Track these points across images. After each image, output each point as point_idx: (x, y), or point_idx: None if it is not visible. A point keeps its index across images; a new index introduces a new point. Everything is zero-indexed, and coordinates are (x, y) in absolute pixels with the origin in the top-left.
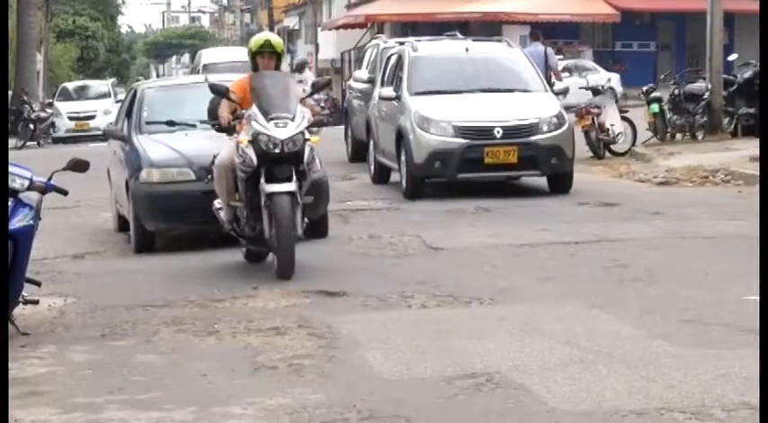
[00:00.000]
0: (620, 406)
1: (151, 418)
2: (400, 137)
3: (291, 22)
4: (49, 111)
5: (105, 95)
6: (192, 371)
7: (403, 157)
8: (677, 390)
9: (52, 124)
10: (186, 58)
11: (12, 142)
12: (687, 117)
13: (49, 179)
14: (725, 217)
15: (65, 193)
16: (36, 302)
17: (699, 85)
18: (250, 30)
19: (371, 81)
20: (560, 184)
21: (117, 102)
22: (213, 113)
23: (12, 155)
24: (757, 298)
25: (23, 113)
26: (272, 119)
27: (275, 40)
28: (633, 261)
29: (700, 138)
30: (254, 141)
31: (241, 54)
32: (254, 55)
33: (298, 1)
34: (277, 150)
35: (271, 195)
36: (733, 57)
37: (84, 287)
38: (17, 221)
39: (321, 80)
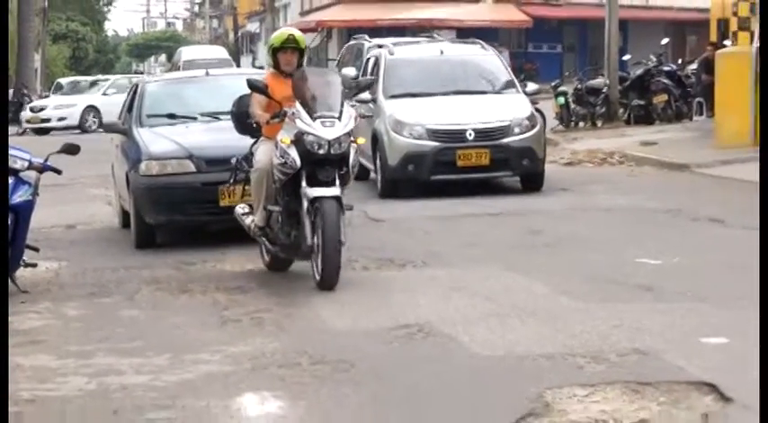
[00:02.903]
0: (531, 351)
1: (133, 363)
2: (375, 140)
3: (253, 26)
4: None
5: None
6: (169, 323)
7: (378, 160)
8: (579, 338)
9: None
10: (163, 57)
11: (13, 129)
12: (588, 108)
13: (46, 160)
14: (620, 192)
15: (59, 172)
16: (35, 265)
17: (598, 81)
18: (217, 33)
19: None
20: (532, 183)
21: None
22: (242, 113)
23: (13, 140)
24: (648, 260)
25: (23, 105)
26: (317, 118)
27: (299, 35)
28: (544, 230)
29: (599, 125)
30: (297, 141)
31: (216, 52)
32: (275, 51)
33: (259, 8)
34: (322, 151)
35: (316, 200)
36: (627, 57)
37: (76, 252)
38: (18, 197)
39: (365, 80)
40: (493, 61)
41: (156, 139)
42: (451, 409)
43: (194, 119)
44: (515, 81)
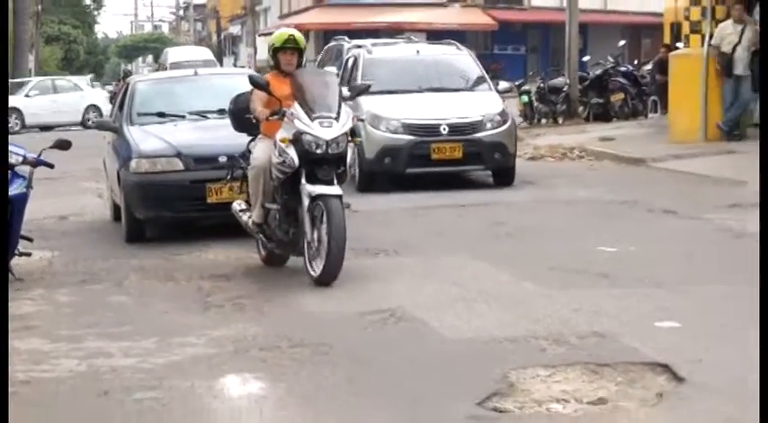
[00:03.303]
0: (497, 335)
1: (122, 346)
2: (353, 134)
3: (235, 29)
4: None
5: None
6: (155, 309)
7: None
8: (541, 322)
9: None
10: (150, 58)
11: None
12: (550, 106)
13: (39, 155)
14: (580, 185)
15: (51, 166)
16: (29, 255)
17: (560, 81)
18: (201, 35)
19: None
20: (503, 178)
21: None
22: (239, 110)
23: (10, 137)
24: (606, 249)
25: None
26: (315, 118)
27: (298, 35)
28: (508, 220)
29: (560, 122)
30: (296, 141)
31: (201, 53)
32: (275, 51)
33: (240, 12)
34: (320, 151)
35: (318, 197)
36: (586, 58)
37: (68, 242)
38: (13, 189)
39: (361, 85)
40: (466, 61)
41: (145, 138)
42: (422, 389)
43: (183, 117)
44: (488, 79)
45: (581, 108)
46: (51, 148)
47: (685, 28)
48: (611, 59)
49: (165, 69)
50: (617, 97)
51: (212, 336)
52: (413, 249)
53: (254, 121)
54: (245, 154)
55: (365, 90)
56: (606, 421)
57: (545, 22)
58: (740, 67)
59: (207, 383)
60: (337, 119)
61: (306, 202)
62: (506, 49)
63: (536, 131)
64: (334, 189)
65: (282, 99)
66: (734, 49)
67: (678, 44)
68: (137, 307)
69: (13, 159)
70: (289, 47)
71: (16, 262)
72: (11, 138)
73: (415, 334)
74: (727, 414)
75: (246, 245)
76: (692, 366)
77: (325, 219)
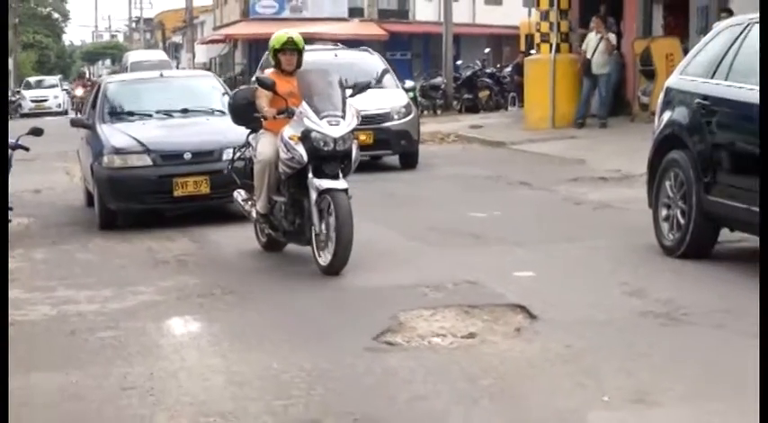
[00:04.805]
0: (389, 284)
1: (86, 295)
2: None
3: (177, 38)
4: (17, 96)
5: (54, 86)
6: (114, 265)
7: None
8: (425, 273)
9: (19, 105)
10: (108, 61)
11: None
12: (431, 100)
13: (17, 140)
14: (455, 164)
15: (27, 149)
16: (10, 221)
17: (438, 80)
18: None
19: None
20: (408, 161)
21: (63, 89)
22: (238, 106)
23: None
24: (476, 214)
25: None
26: (324, 116)
27: (297, 37)
28: (398, 193)
29: (439, 114)
30: (304, 138)
31: (156, 55)
32: (275, 52)
33: (181, 24)
34: (328, 148)
35: (326, 191)
36: (459, 62)
37: (42, 211)
38: None
39: (362, 83)
40: (376, 63)
41: (116, 135)
42: (329, 328)
43: (150, 116)
44: (395, 78)
45: (455, 102)
46: (27, 134)
47: (537, 38)
48: (479, 63)
49: (127, 69)
50: (484, 93)
51: (160, 286)
52: None
53: (262, 118)
54: (246, 146)
55: (365, 88)
56: (476, 351)
57: (426, 33)
58: (595, 68)
59: (155, 324)
60: (344, 117)
61: (314, 195)
62: (396, 55)
63: (420, 121)
64: (341, 183)
65: (286, 96)
66: (593, 54)
67: (531, 51)
68: (99, 263)
69: None
70: (288, 48)
71: None
72: None
73: (324, 283)
74: (568, 342)
75: (191, 220)
76: (544, 307)
77: (333, 211)
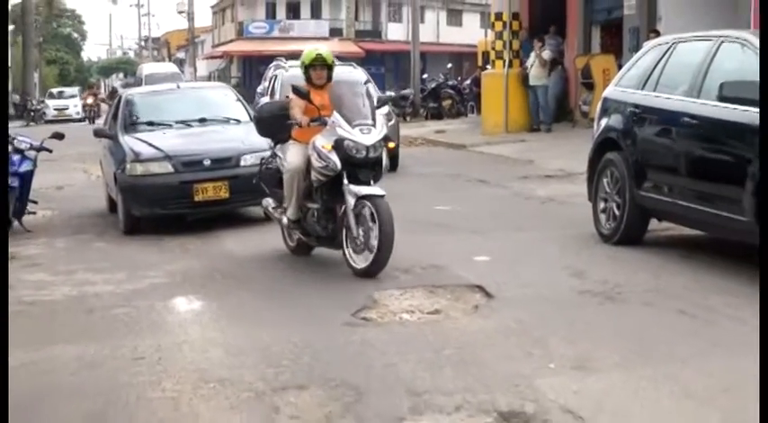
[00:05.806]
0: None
1: (103, 277)
2: None
3: (181, 54)
4: (42, 105)
5: (74, 96)
6: (127, 251)
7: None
8: (396, 258)
9: (44, 112)
10: (121, 75)
11: (19, 123)
12: (401, 109)
13: (42, 143)
14: (422, 164)
15: (50, 151)
16: (35, 213)
17: (407, 91)
18: (157, 59)
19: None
20: (390, 163)
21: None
22: (263, 119)
23: (20, 130)
24: (441, 207)
25: (27, 106)
26: (356, 125)
27: (326, 52)
28: None
29: (408, 120)
30: (337, 147)
31: (168, 67)
32: (306, 67)
33: (184, 43)
34: (360, 156)
35: (365, 198)
36: (425, 76)
37: (64, 204)
38: (23, 168)
39: (385, 97)
40: (360, 75)
41: (138, 144)
42: (313, 306)
43: (170, 126)
44: (376, 88)
45: (422, 110)
46: (50, 138)
47: (492, 55)
48: (442, 76)
49: (141, 80)
50: (447, 103)
51: (166, 269)
52: None
53: (296, 126)
54: (272, 156)
55: (388, 101)
56: (440, 326)
57: (397, 50)
58: (532, 80)
59: (162, 303)
60: (374, 125)
61: (351, 201)
62: (371, 70)
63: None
64: (378, 189)
65: (320, 108)
66: (531, 68)
67: (488, 66)
68: (113, 250)
69: (23, 146)
70: (318, 64)
71: (27, 219)
72: (21, 130)
73: (309, 269)
74: (520, 317)
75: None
76: (499, 287)
77: (376, 217)
